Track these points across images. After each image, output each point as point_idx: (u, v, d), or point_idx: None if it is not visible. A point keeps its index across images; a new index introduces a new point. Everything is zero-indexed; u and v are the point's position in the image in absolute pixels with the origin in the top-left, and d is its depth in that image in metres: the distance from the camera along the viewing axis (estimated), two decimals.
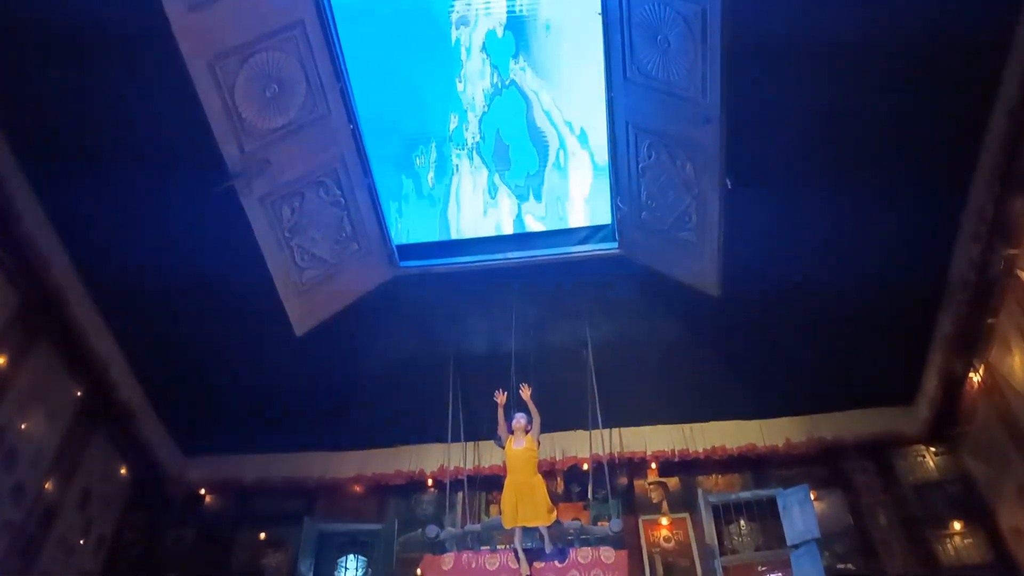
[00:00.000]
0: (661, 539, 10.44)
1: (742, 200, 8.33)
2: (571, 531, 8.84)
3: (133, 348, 10.36)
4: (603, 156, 9.55)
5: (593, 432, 10.21)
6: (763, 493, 10.33)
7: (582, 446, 10.55)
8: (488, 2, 9.65)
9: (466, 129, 10.35)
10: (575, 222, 10.57)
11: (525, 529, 8.51)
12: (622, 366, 10.39)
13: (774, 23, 7.68)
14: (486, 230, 10.67)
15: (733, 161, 7.97)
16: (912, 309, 9.72)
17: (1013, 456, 8.96)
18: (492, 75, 10.04)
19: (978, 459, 9.84)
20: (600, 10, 8.12)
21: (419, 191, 10.62)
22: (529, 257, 10.05)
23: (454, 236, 10.73)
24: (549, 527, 8.45)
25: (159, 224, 9.16)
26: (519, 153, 10.51)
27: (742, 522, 10.42)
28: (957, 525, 9.85)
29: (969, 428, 9.87)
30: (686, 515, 10.61)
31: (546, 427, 8.88)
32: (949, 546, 9.78)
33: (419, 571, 9.51)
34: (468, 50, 9.93)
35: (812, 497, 9.40)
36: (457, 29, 9.79)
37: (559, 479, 10.94)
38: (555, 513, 8.55)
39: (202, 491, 11.47)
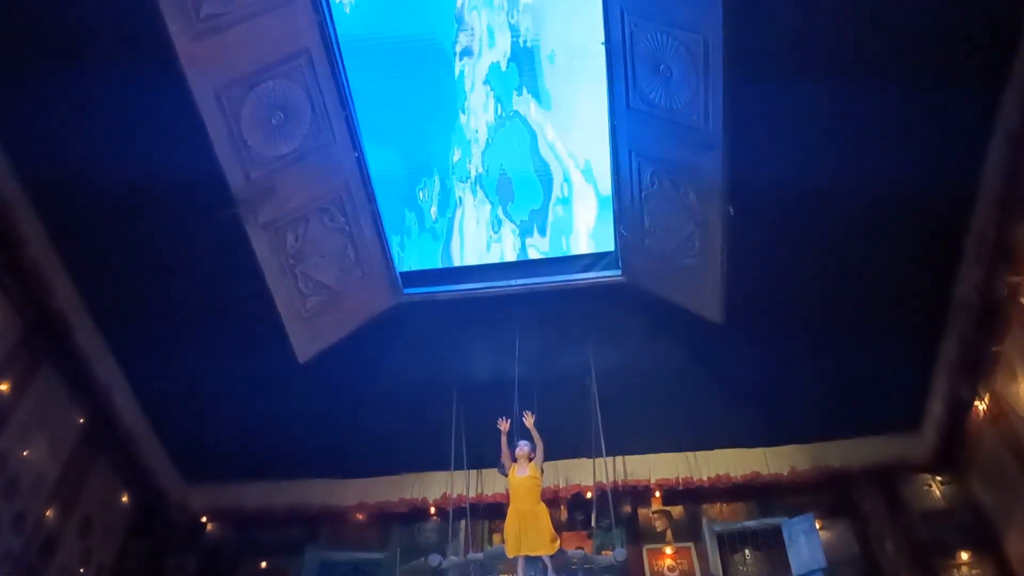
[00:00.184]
0: (665, 568, 10.35)
1: (745, 226, 8.34)
2: (575, 560, 8.77)
3: (136, 374, 10.34)
4: (607, 186, 9.55)
5: (597, 460, 10.16)
6: (768, 522, 10.26)
7: (586, 474, 10.51)
8: (492, 34, 9.71)
9: (469, 162, 10.38)
10: (578, 250, 10.58)
11: (528, 558, 8.43)
12: (625, 393, 10.35)
13: (775, 51, 7.74)
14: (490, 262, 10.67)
15: (736, 188, 8.00)
16: (917, 335, 9.70)
17: (1021, 485, 8.89)
18: (496, 107, 10.08)
19: (986, 487, 9.76)
20: (603, 40, 8.18)
21: (422, 224, 10.64)
22: (532, 284, 10.05)
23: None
24: (552, 556, 8.38)
25: (163, 250, 9.18)
26: (522, 186, 10.53)
27: (747, 551, 10.34)
28: (965, 555, 9.76)
29: (976, 455, 9.80)
30: (690, 544, 10.53)
31: (549, 455, 8.84)
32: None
33: None
34: (472, 82, 9.97)
35: (818, 526, 9.34)
36: (461, 60, 9.84)
37: (563, 507, 10.86)
38: (558, 542, 8.48)
39: (204, 519, 11.40)
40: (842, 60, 7.88)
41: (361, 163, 8.91)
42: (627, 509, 10.87)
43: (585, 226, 10.54)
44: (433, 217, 10.61)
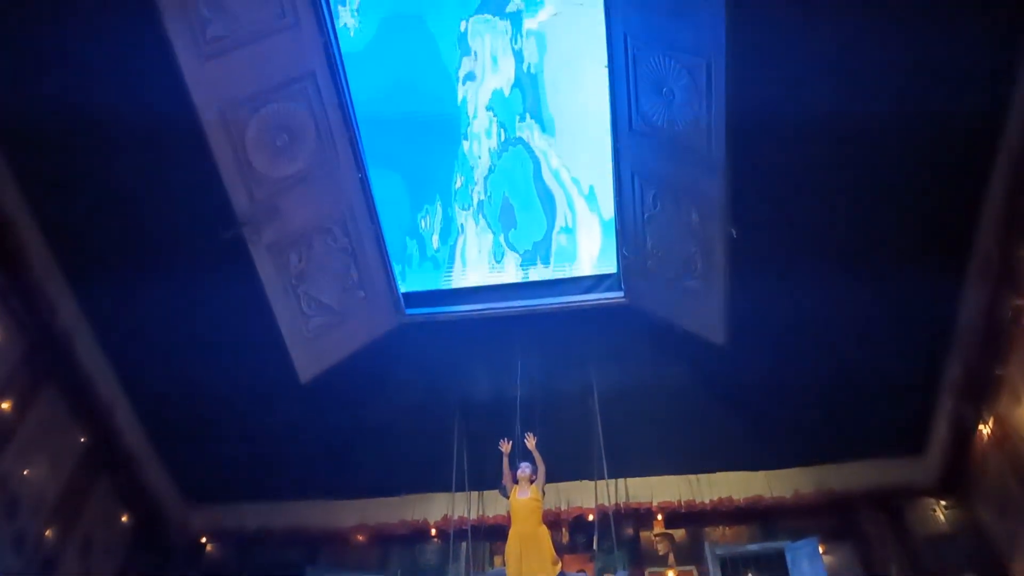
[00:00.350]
0: None
1: (748, 248, 8.35)
2: None
3: (138, 394, 10.35)
4: (611, 210, 9.54)
5: (599, 482, 10.12)
6: (771, 546, 10.20)
7: (587, 496, 10.47)
8: (495, 59, 9.73)
9: (472, 188, 10.36)
10: (581, 274, 10.56)
11: None
12: (628, 415, 10.32)
13: (777, 74, 7.78)
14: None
15: (738, 210, 8.01)
16: (921, 357, 9.67)
17: None
18: (499, 133, 10.09)
19: (991, 511, 9.69)
20: (606, 64, 8.23)
21: (423, 253, 10.61)
22: (535, 305, 10.05)
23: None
24: None
25: (167, 270, 9.20)
26: (525, 213, 10.48)
27: (750, 575, 10.24)
28: None
29: (981, 479, 9.74)
30: (693, 568, 10.47)
31: (551, 477, 8.80)
32: None
33: None
34: (475, 108, 9.98)
35: (821, 550, 9.26)
36: (464, 85, 9.84)
37: (564, 529, 10.79)
38: (560, 564, 8.40)
39: (204, 540, 11.36)
40: (844, 82, 7.93)
41: (364, 184, 8.94)
42: (629, 532, 10.81)
43: (588, 254, 10.47)
44: (435, 246, 10.58)
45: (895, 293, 9.22)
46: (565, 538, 10.75)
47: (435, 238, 10.49)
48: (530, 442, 8.69)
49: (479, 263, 10.56)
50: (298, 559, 10.96)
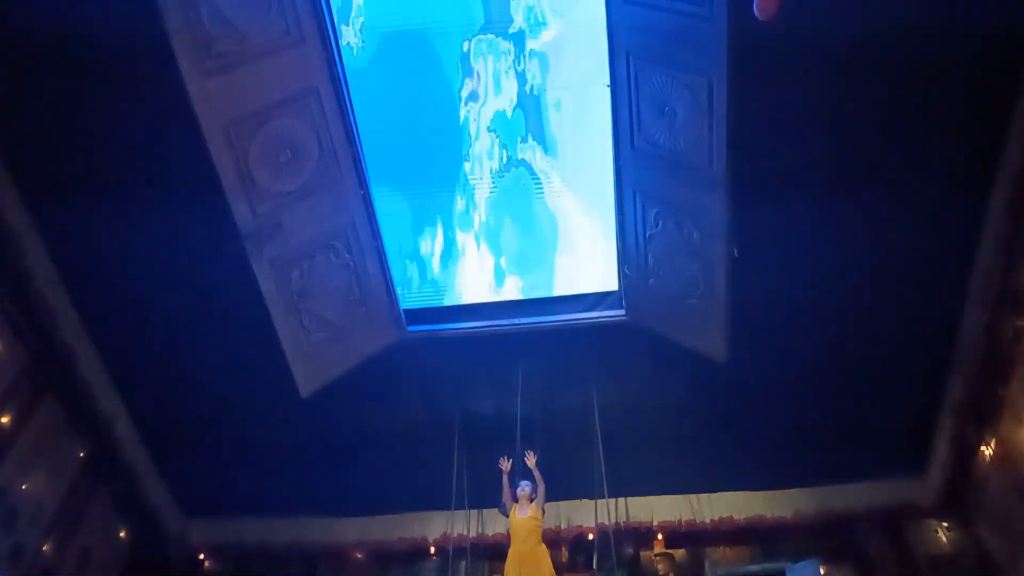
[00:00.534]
0: None
1: (749, 267, 8.36)
2: None
3: (138, 407, 10.35)
4: (612, 228, 9.52)
5: (599, 501, 10.08)
6: (772, 566, 10.11)
7: (587, 515, 10.43)
8: (498, 80, 9.74)
9: (473, 211, 10.35)
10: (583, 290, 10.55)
11: None
12: (628, 433, 10.29)
13: (779, 94, 7.82)
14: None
15: (740, 229, 8.03)
16: (922, 377, 9.66)
17: None
18: (501, 154, 10.08)
19: (993, 533, 9.63)
20: (609, 82, 8.28)
21: (423, 276, 10.58)
22: (536, 323, 10.04)
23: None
24: None
25: (169, 282, 9.23)
26: (527, 236, 10.45)
27: None
28: None
29: (983, 500, 9.69)
30: None
31: (551, 495, 8.79)
32: None
33: None
34: (477, 129, 9.97)
35: (822, 571, 9.20)
36: (466, 106, 9.85)
37: (564, 549, 10.75)
38: None
39: (202, 555, 11.30)
40: (846, 105, 7.98)
41: (367, 200, 8.97)
42: (629, 551, 10.73)
43: (590, 272, 10.42)
44: (436, 271, 10.56)
45: (896, 312, 9.23)
46: (565, 557, 10.69)
47: (436, 262, 10.45)
48: (530, 460, 8.68)
49: (480, 287, 10.53)
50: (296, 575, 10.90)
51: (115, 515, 10.69)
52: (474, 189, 10.22)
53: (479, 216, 10.32)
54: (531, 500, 8.52)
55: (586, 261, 10.39)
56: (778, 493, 10.82)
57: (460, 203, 10.28)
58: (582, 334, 10.02)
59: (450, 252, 10.46)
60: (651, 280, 9.30)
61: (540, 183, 10.21)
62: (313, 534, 11.20)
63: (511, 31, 9.38)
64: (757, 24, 6.37)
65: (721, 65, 7.11)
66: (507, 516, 8.68)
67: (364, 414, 10.47)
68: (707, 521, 10.78)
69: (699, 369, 9.51)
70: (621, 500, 10.74)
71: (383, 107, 9.45)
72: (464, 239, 10.43)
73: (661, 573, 10.35)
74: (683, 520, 10.81)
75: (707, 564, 10.39)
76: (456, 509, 10.18)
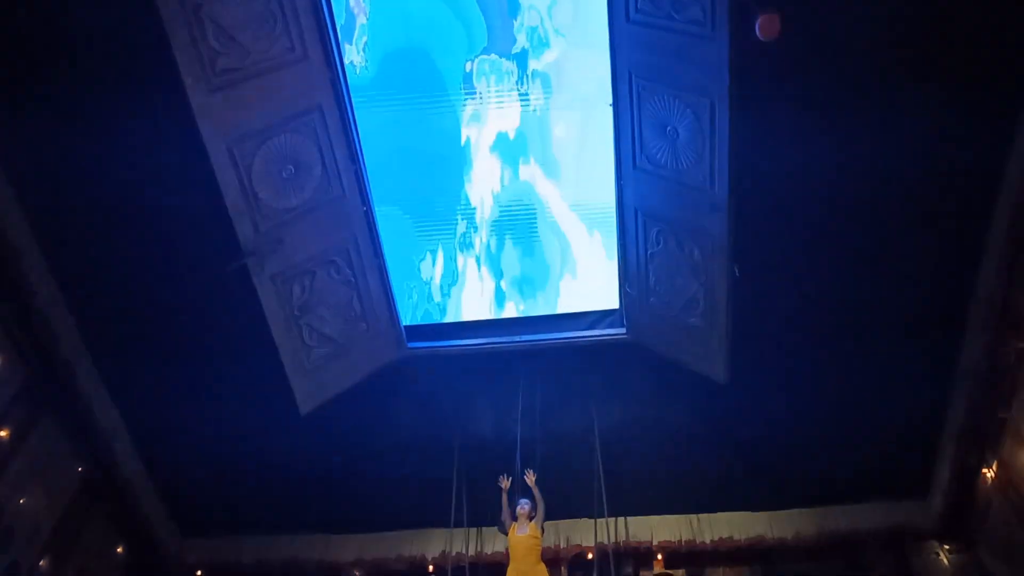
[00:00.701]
0: None
1: (750, 287, 8.37)
2: None
3: (137, 424, 10.32)
4: (613, 247, 9.52)
5: (598, 520, 10.03)
6: None
7: (587, 534, 10.38)
8: (500, 100, 9.74)
9: (474, 233, 10.33)
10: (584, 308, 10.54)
11: None
12: (629, 452, 10.28)
13: (781, 114, 7.87)
14: None
15: (741, 249, 8.04)
16: (924, 399, 9.64)
17: None
18: (502, 176, 10.07)
19: (995, 556, 9.58)
20: (611, 102, 8.31)
21: (423, 297, 10.56)
22: (537, 341, 10.03)
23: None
24: None
25: (170, 300, 9.24)
26: (529, 259, 10.43)
27: None
28: None
29: (985, 523, 9.65)
30: None
31: (550, 514, 8.76)
32: None
33: None
34: (479, 150, 9.96)
35: None
36: (467, 127, 9.84)
37: (563, 568, 10.69)
38: None
39: (199, 573, 11.22)
40: (850, 124, 8.01)
41: (369, 217, 8.98)
42: (628, 571, 10.69)
43: (591, 290, 10.41)
44: (436, 298, 10.54)
45: (898, 333, 9.23)
46: None
47: (436, 284, 10.42)
48: (530, 479, 8.66)
49: (480, 310, 10.51)
50: None
51: (112, 533, 10.64)
52: (475, 211, 10.20)
53: (480, 239, 10.29)
54: (530, 519, 8.49)
55: (587, 281, 10.35)
56: (779, 514, 10.76)
57: (462, 225, 10.25)
58: (583, 352, 10.01)
59: (451, 273, 10.43)
60: (652, 299, 9.29)
61: (542, 205, 10.19)
62: (311, 552, 11.12)
63: (514, 51, 9.42)
64: (759, 44, 6.40)
65: (723, 85, 7.13)
66: (506, 535, 8.64)
67: (363, 431, 10.44)
68: (707, 541, 10.71)
69: (700, 388, 9.49)
70: (621, 519, 10.69)
71: (385, 127, 9.45)
72: (464, 261, 10.40)
73: None
74: (683, 540, 10.75)
75: None
76: (455, 527, 10.12)
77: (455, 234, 10.26)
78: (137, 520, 10.72)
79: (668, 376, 9.83)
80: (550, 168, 9.97)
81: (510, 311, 10.52)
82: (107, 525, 10.54)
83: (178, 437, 10.42)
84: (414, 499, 10.79)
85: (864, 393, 9.70)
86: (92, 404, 9.71)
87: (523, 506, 8.55)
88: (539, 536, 8.46)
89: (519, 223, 10.25)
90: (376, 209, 9.04)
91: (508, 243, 10.35)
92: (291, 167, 8.17)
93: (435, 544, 10.88)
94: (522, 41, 9.40)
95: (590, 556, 10.21)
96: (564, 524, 10.64)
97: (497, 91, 9.64)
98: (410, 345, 10.03)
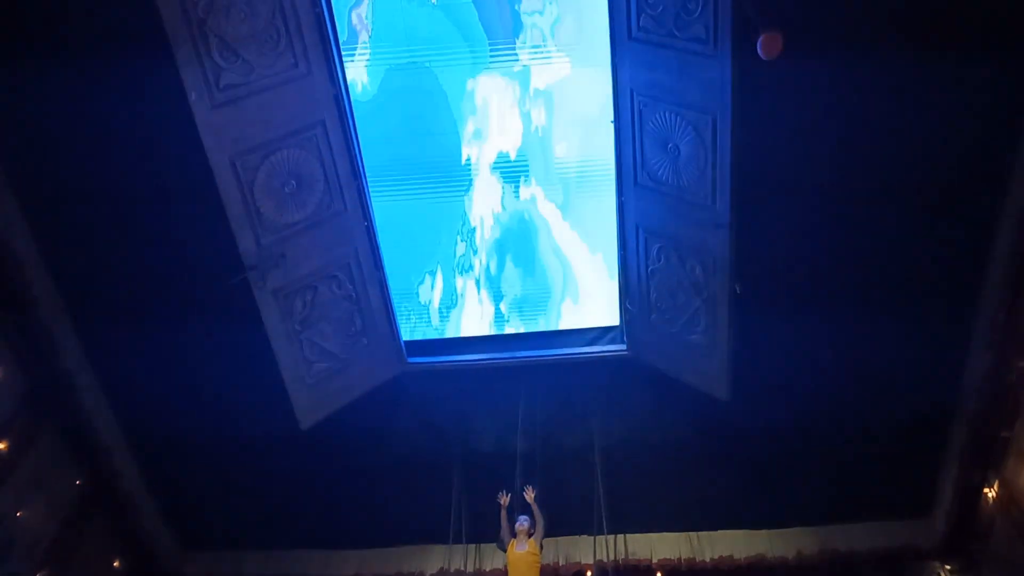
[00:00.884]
0: None
1: (752, 304, 8.36)
2: None
3: (137, 437, 10.30)
4: (614, 263, 9.50)
5: (598, 538, 9.98)
6: None
7: (586, 552, 10.35)
8: (502, 119, 9.71)
9: (474, 254, 10.32)
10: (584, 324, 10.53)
11: None
12: (629, 469, 10.24)
13: (783, 131, 7.89)
14: None
15: (742, 266, 8.05)
16: (926, 418, 9.60)
17: None
18: (503, 196, 10.04)
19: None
20: (612, 119, 8.35)
21: (421, 321, 10.54)
22: (537, 357, 10.03)
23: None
24: None
25: (172, 314, 9.26)
26: (529, 280, 10.38)
27: None
28: None
29: (987, 543, 9.60)
30: None
31: (549, 531, 8.71)
32: None
33: None
34: (479, 170, 9.91)
35: None
36: (468, 145, 9.83)
37: None
38: None
39: None
40: (849, 141, 8.03)
41: (370, 232, 9.01)
42: None
43: (592, 306, 10.36)
44: (435, 320, 10.52)
45: (900, 353, 9.21)
46: None
47: (435, 307, 10.38)
48: (529, 495, 8.63)
49: (480, 331, 10.48)
50: None
51: (111, 546, 10.59)
52: (475, 231, 10.20)
53: (480, 260, 10.28)
54: (529, 535, 8.45)
55: (589, 303, 10.34)
56: (780, 532, 10.70)
57: (461, 247, 10.24)
58: (583, 368, 10.00)
59: (450, 296, 10.40)
60: (653, 315, 9.29)
61: (544, 225, 10.18)
62: (311, 567, 11.07)
63: (516, 70, 9.44)
64: (761, 62, 6.43)
65: (725, 103, 7.17)
66: (505, 551, 8.60)
67: (363, 445, 10.42)
68: (707, 559, 10.65)
69: (701, 405, 9.47)
70: (620, 537, 10.61)
71: (386, 143, 9.46)
72: (463, 283, 10.37)
73: None
74: (683, 558, 10.68)
75: None
76: (454, 543, 10.08)
77: (454, 255, 10.24)
78: (136, 534, 10.69)
79: (669, 393, 9.81)
80: (551, 188, 9.95)
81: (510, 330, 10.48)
82: (106, 538, 10.49)
83: (178, 450, 10.40)
84: (413, 515, 10.76)
85: (867, 413, 9.66)
86: (92, 416, 9.71)
87: (522, 523, 8.52)
88: (538, 553, 8.42)
89: (520, 244, 10.23)
90: (377, 225, 9.06)
91: (508, 265, 10.31)
92: (294, 182, 8.21)
93: (434, 560, 10.82)
94: (525, 59, 9.42)
95: (589, 574, 10.17)
96: (563, 541, 10.59)
97: (499, 109, 9.63)
98: (410, 360, 10.04)
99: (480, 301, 10.38)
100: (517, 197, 9.95)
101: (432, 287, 10.31)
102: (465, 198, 9.98)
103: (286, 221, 8.32)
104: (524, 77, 9.45)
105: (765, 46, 6.35)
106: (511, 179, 9.89)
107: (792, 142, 7.99)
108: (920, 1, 7.26)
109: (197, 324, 9.25)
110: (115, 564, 10.70)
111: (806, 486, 10.34)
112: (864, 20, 7.41)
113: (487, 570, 10.54)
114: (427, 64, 9.31)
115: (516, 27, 9.11)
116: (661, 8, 7.27)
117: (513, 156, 9.78)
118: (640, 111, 8.03)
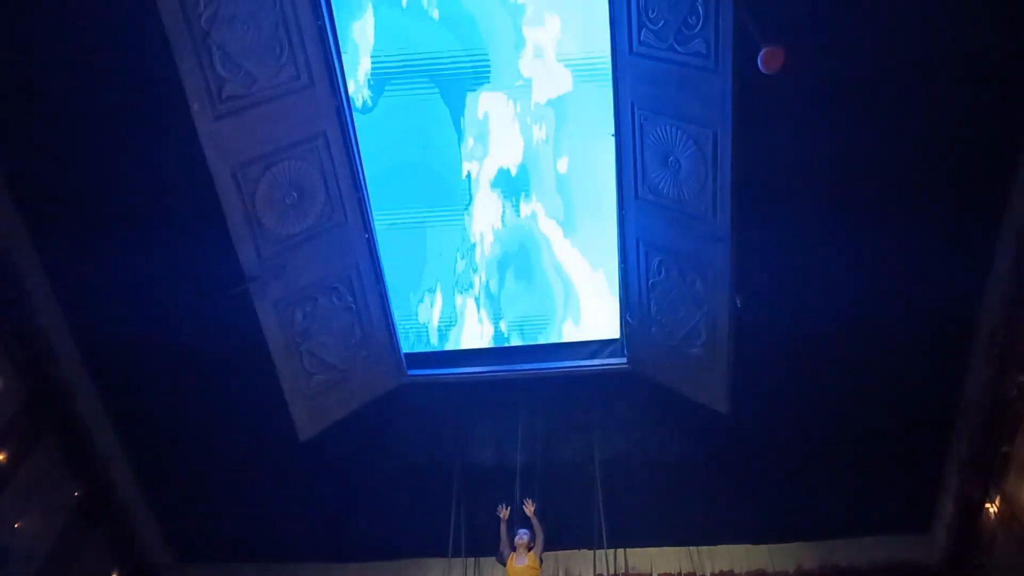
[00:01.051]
0: None
1: (753, 317, 8.36)
2: None
3: (135, 447, 10.29)
4: (615, 276, 9.47)
5: (597, 551, 9.95)
6: None
7: (586, 565, 10.31)
8: (502, 135, 9.70)
9: (474, 272, 10.30)
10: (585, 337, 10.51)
11: None
12: (629, 483, 10.22)
13: (784, 146, 7.91)
14: None
15: (743, 280, 8.05)
16: (927, 432, 9.61)
17: None
18: (503, 213, 10.02)
19: None
20: (613, 132, 8.37)
21: (420, 341, 10.51)
22: (537, 370, 10.01)
23: None
24: None
25: (171, 323, 9.26)
26: (529, 298, 10.36)
27: None
28: None
29: (988, 559, 9.56)
30: None
31: (549, 544, 8.70)
32: None
33: None
34: (479, 186, 9.87)
35: None
36: (468, 160, 9.82)
37: None
38: None
39: None
40: (852, 157, 8.05)
41: (371, 244, 9.01)
42: None
43: (592, 320, 10.33)
44: (434, 339, 10.50)
45: (900, 369, 9.21)
46: None
47: (434, 326, 10.36)
48: (529, 508, 8.62)
49: (481, 343, 10.46)
50: None
51: (108, 558, 10.54)
52: (475, 247, 10.18)
53: (480, 278, 10.26)
54: (529, 549, 8.44)
55: (590, 320, 10.32)
56: (781, 546, 10.67)
57: (461, 264, 10.22)
58: (583, 382, 9.98)
59: (449, 315, 10.36)
60: (653, 329, 9.29)
61: (545, 242, 10.16)
62: None
63: (517, 84, 9.45)
64: (762, 77, 6.45)
65: (726, 117, 7.18)
66: (504, 565, 8.58)
67: (362, 458, 10.40)
68: (707, 574, 10.63)
69: (701, 419, 9.46)
70: (620, 551, 10.60)
71: (386, 158, 9.46)
72: (464, 301, 10.34)
73: None
74: (683, 572, 10.66)
75: None
76: (453, 556, 10.05)
77: (454, 273, 10.22)
78: (134, 545, 10.66)
79: (669, 406, 9.80)
80: (552, 204, 9.94)
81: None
82: (103, 549, 10.44)
83: (177, 463, 10.39)
84: (413, 528, 10.73)
85: (867, 426, 9.65)
86: (91, 427, 9.69)
87: (522, 536, 8.51)
88: (538, 567, 8.41)
89: (520, 262, 10.21)
90: (378, 238, 9.07)
91: (509, 282, 10.29)
92: (295, 193, 8.22)
93: (433, 573, 10.77)
94: (526, 74, 9.43)
95: None
96: (563, 555, 10.55)
97: (499, 124, 9.64)
98: (410, 373, 10.02)
99: (480, 320, 10.35)
100: (518, 214, 9.93)
101: (432, 305, 10.29)
102: (465, 215, 9.96)
103: (287, 232, 8.32)
104: (525, 92, 9.46)
105: (767, 60, 6.36)
106: (511, 195, 9.88)
107: (793, 156, 8.01)
108: (923, 18, 7.30)
109: (197, 335, 9.25)
110: (113, 575, 10.68)
111: (807, 500, 10.32)
112: (865, 35, 7.44)
113: None
114: (428, 78, 9.32)
115: (518, 42, 9.13)
116: (662, 23, 7.29)
117: (514, 172, 9.77)
118: (641, 125, 8.05)
